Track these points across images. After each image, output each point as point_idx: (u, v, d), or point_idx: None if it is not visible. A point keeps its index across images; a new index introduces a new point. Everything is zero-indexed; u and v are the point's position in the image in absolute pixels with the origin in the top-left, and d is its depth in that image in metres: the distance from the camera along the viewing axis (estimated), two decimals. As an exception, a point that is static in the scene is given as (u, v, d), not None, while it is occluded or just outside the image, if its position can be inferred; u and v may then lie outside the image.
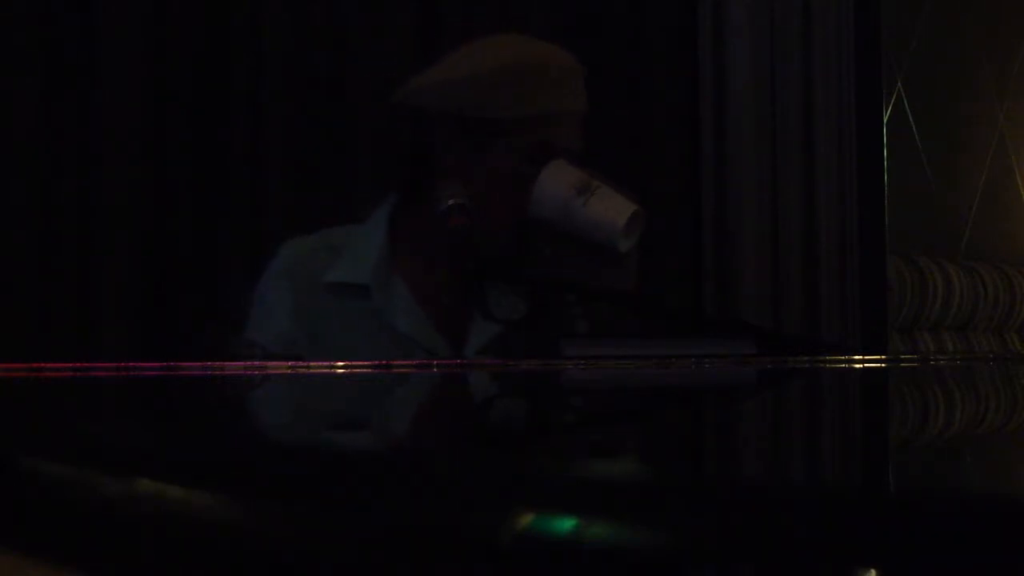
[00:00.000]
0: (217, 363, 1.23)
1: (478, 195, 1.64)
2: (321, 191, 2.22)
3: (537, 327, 1.67)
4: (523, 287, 1.68)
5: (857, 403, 0.94)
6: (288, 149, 2.22)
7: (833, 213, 2.46)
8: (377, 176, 2.25)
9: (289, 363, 1.34)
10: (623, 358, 1.40)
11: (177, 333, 2.10)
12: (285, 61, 2.23)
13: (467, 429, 0.69)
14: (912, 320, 2.86)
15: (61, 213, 2.06)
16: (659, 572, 0.31)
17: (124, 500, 0.44)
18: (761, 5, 2.47)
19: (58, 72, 2.07)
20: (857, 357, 1.66)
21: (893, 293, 2.71)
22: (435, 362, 1.50)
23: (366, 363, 1.33)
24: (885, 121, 2.66)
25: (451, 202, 1.61)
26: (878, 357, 1.89)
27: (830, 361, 1.50)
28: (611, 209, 1.60)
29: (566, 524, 0.33)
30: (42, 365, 1.06)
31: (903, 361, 1.84)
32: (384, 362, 1.29)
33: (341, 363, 1.31)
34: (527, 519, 0.34)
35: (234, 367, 1.23)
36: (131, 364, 1.15)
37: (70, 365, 1.13)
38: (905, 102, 3.03)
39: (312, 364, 1.30)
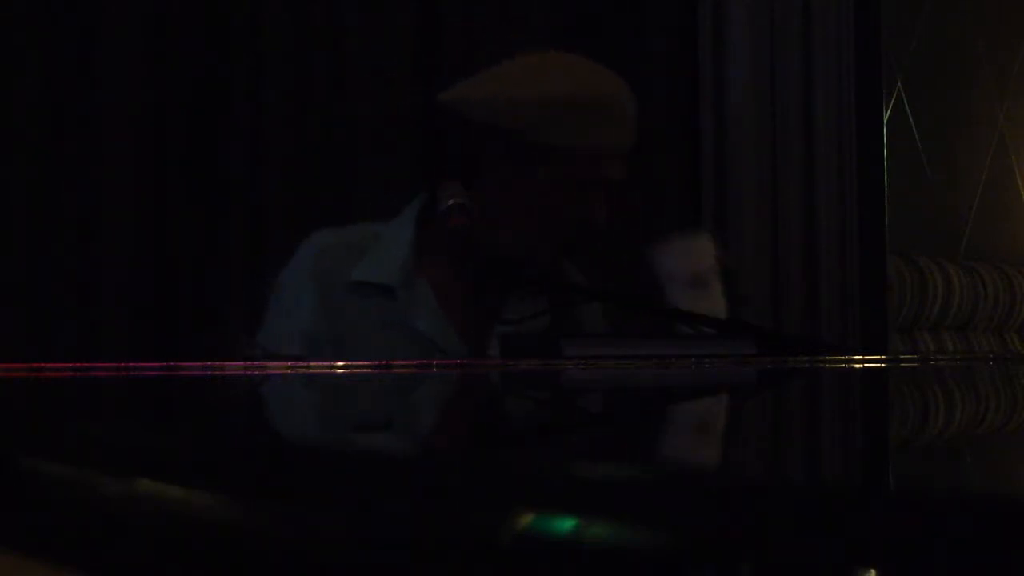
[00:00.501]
0: (217, 363, 1.22)
1: (512, 213, 1.63)
2: (321, 191, 2.22)
3: (535, 325, 1.67)
4: (524, 288, 1.68)
5: (857, 403, 0.94)
6: (288, 149, 2.22)
7: (833, 213, 2.46)
8: (377, 176, 2.25)
9: (289, 363, 1.34)
10: (623, 358, 1.40)
11: (177, 333, 2.10)
12: (285, 61, 2.23)
13: (467, 429, 0.69)
14: (912, 320, 2.86)
15: (61, 213, 2.06)
16: (659, 572, 0.31)
17: (124, 500, 0.44)
18: (761, 5, 2.47)
19: (58, 72, 2.07)
20: (857, 357, 1.66)
21: (893, 293, 2.71)
22: (435, 362, 1.50)
23: (366, 363, 1.33)
24: (885, 121, 2.66)
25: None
26: (878, 357, 1.89)
27: (830, 361, 1.50)
28: (701, 308, 1.61)
29: (566, 524, 0.33)
30: (42, 365, 1.06)
31: (903, 361, 1.84)
32: (384, 362, 1.29)
33: (341, 363, 1.31)
34: (527, 519, 0.34)
35: (234, 367, 1.23)
36: (131, 364, 1.15)
37: (70, 365, 1.13)
38: (905, 102, 3.03)
39: (312, 364, 1.30)
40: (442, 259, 1.66)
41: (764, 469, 0.47)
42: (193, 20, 2.17)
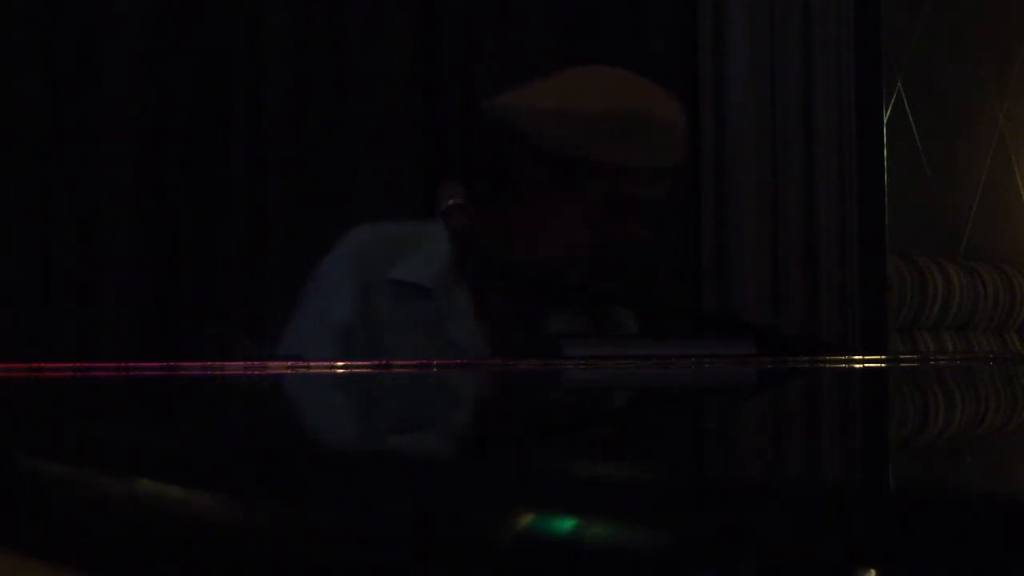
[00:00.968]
0: (217, 363, 1.23)
1: (549, 231, 1.63)
2: (322, 191, 2.22)
3: (536, 327, 1.67)
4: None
5: (857, 403, 0.94)
6: (289, 149, 2.22)
7: (833, 213, 2.46)
8: (378, 176, 2.25)
9: (289, 363, 1.34)
10: (623, 358, 1.40)
11: (177, 333, 2.10)
12: (285, 61, 2.23)
13: (467, 429, 0.69)
14: (912, 320, 2.86)
15: (61, 213, 2.06)
16: (659, 572, 0.31)
17: (124, 500, 0.44)
18: (761, 5, 2.47)
19: (58, 72, 2.07)
20: (857, 357, 1.66)
21: (893, 293, 2.71)
22: (435, 362, 1.50)
23: (366, 363, 1.33)
24: (885, 121, 2.66)
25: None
26: (878, 357, 1.89)
27: (830, 361, 1.50)
28: None
29: (566, 524, 0.33)
30: (42, 365, 1.06)
31: (903, 361, 1.84)
32: (384, 362, 1.29)
33: (341, 363, 1.31)
34: (527, 519, 0.34)
35: (234, 367, 1.23)
36: (131, 364, 1.15)
37: (70, 365, 1.13)
38: (905, 102, 3.03)
39: (312, 364, 1.30)
40: (482, 266, 1.65)
41: (764, 469, 0.47)
42: (193, 20, 2.17)
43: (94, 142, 2.09)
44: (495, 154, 1.69)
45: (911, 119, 3.05)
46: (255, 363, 1.42)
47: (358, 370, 1.26)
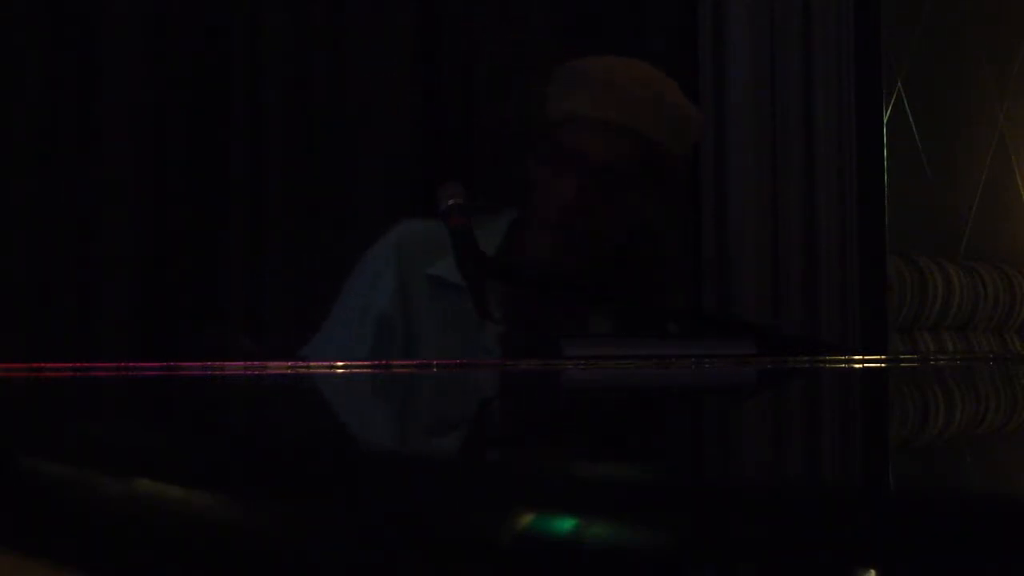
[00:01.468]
0: (217, 363, 1.23)
1: (552, 220, 1.65)
2: (322, 191, 2.22)
3: (536, 327, 1.67)
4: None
5: (857, 403, 0.94)
6: (289, 149, 2.22)
7: (833, 213, 2.46)
8: (378, 176, 2.25)
9: (289, 363, 1.34)
10: (623, 358, 1.40)
11: (177, 333, 2.09)
12: (285, 61, 2.23)
13: (467, 429, 0.69)
14: (912, 320, 2.86)
15: (61, 213, 2.06)
16: (659, 572, 0.31)
17: (124, 500, 0.44)
18: (761, 5, 2.47)
19: (58, 72, 2.07)
20: (857, 357, 1.66)
21: (893, 293, 2.71)
22: (435, 362, 1.50)
23: (366, 363, 1.33)
24: (885, 121, 2.66)
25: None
26: (878, 357, 1.89)
27: (830, 361, 1.50)
28: None
29: (566, 524, 0.33)
30: (42, 365, 1.06)
31: (903, 361, 1.84)
32: (384, 362, 1.29)
33: (341, 363, 1.31)
34: (527, 519, 0.34)
35: (234, 367, 1.23)
36: (131, 364, 1.15)
37: (70, 365, 1.13)
38: (905, 102, 3.03)
39: (312, 364, 1.30)
40: (523, 266, 1.67)
41: (764, 469, 0.47)
42: (193, 20, 2.17)
43: (94, 142, 2.09)
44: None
45: (911, 119, 3.05)
46: (255, 363, 1.42)
47: (358, 370, 1.26)
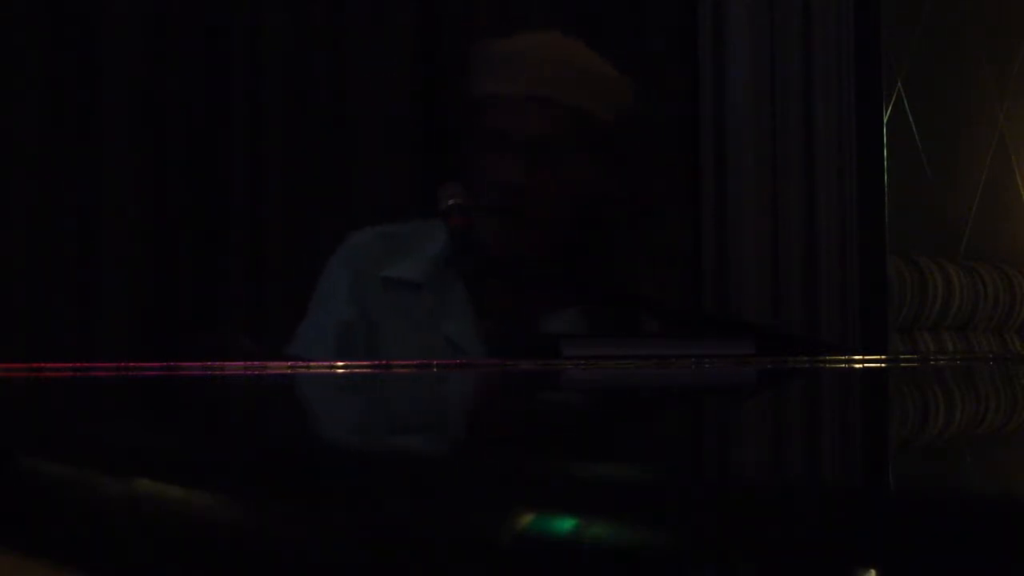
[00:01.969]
0: (217, 363, 1.22)
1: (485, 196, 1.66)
2: (322, 191, 2.22)
3: (535, 327, 1.67)
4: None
5: (857, 403, 0.94)
6: (289, 149, 2.22)
7: (833, 213, 2.45)
8: (378, 176, 2.25)
9: (289, 363, 1.34)
10: (623, 358, 1.40)
11: (177, 333, 2.09)
12: (285, 61, 2.23)
13: (467, 429, 0.69)
14: (912, 320, 2.86)
15: (61, 213, 2.06)
16: (659, 572, 0.31)
17: (124, 500, 0.44)
18: (761, 5, 2.47)
19: (58, 72, 2.07)
20: (857, 357, 1.66)
21: (892, 291, 2.71)
22: (435, 362, 1.50)
23: (365, 363, 1.33)
24: (885, 121, 2.66)
25: (451, 202, 1.62)
26: (878, 357, 1.89)
27: (830, 361, 1.50)
28: None
29: (566, 524, 0.33)
30: (42, 365, 1.06)
31: (903, 361, 1.84)
32: (384, 362, 1.29)
33: (341, 363, 1.31)
34: (527, 519, 0.34)
35: (234, 367, 1.23)
36: (131, 364, 1.15)
37: (70, 365, 1.13)
38: (905, 102, 3.03)
39: (312, 364, 1.30)
40: (474, 260, 1.67)
41: (764, 469, 0.47)
42: (193, 20, 2.17)
43: (94, 142, 2.09)
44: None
45: (911, 119, 3.05)
46: (255, 363, 1.42)
47: (358, 370, 1.26)
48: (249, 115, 2.20)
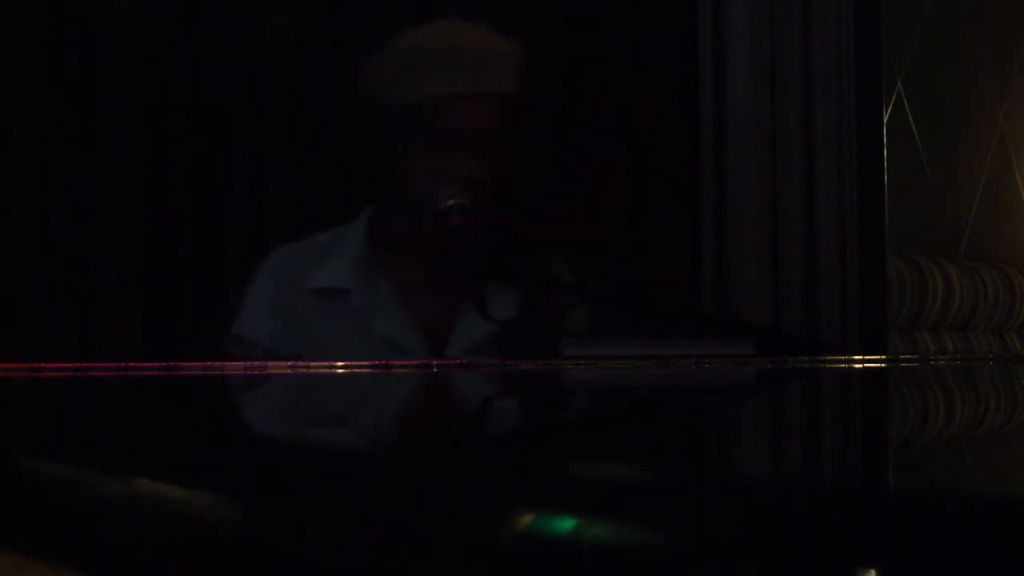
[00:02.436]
0: (217, 363, 1.22)
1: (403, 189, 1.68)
2: (322, 192, 2.22)
3: (534, 327, 1.67)
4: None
5: (857, 403, 0.94)
6: (289, 150, 2.22)
7: (833, 213, 2.45)
8: (376, 177, 2.25)
9: (289, 363, 1.34)
10: (623, 358, 1.40)
11: (177, 333, 2.09)
12: (286, 62, 2.23)
13: (467, 429, 0.69)
14: (912, 320, 2.86)
15: (61, 213, 2.06)
16: (659, 572, 0.31)
17: (124, 500, 0.44)
18: (761, 5, 2.47)
19: (58, 72, 2.07)
20: (857, 357, 1.66)
21: (892, 291, 2.71)
22: (435, 362, 1.50)
23: (366, 363, 1.33)
24: (885, 121, 2.66)
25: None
26: (878, 357, 1.89)
27: (830, 361, 1.50)
28: None
29: (566, 524, 0.33)
30: (42, 365, 1.06)
31: (903, 361, 1.84)
32: (384, 362, 1.29)
33: (341, 363, 1.31)
34: (527, 519, 0.34)
35: (234, 367, 1.23)
36: (131, 364, 1.15)
37: (70, 365, 1.13)
38: (905, 102, 3.03)
39: (312, 364, 1.30)
40: (399, 258, 1.70)
41: (764, 469, 0.47)
42: (193, 20, 2.17)
43: (94, 141, 2.09)
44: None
45: (911, 119, 3.05)
46: (255, 363, 1.42)
47: (358, 370, 1.26)
48: (250, 115, 2.20)
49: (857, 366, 1.47)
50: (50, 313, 2.05)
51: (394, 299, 1.69)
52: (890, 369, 1.45)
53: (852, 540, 0.30)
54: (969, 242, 3.23)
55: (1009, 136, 3.34)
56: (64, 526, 0.45)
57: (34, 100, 2.05)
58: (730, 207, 2.44)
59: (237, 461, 0.47)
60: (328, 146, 2.23)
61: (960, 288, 2.94)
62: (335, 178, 2.23)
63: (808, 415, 0.82)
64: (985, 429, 0.65)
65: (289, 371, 1.20)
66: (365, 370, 1.27)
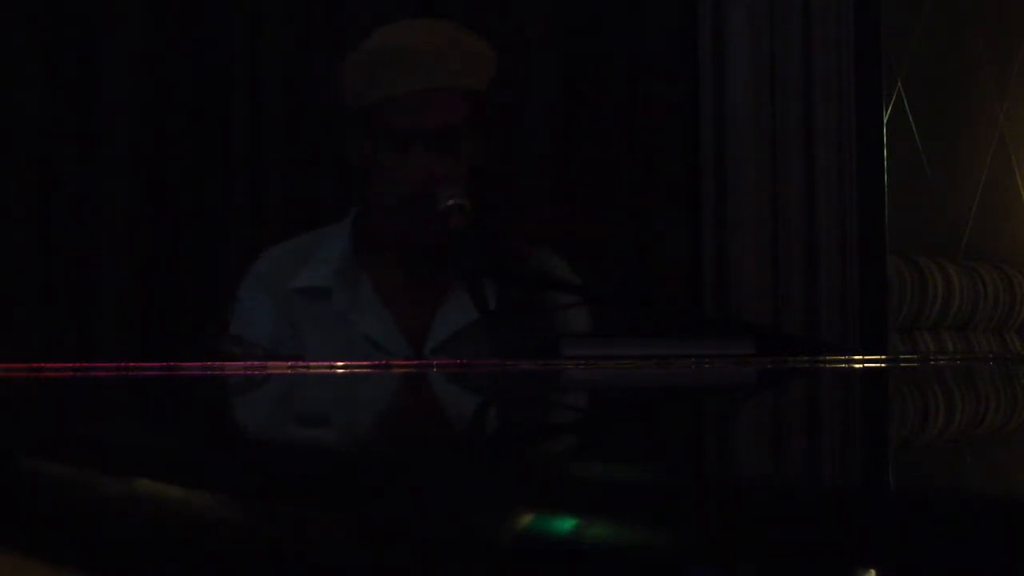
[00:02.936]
0: (217, 363, 1.23)
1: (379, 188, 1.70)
2: (322, 192, 2.22)
3: (535, 326, 1.67)
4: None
5: (857, 403, 0.94)
6: (288, 151, 2.22)
7: (833, 213, 2.45)
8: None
9: (289, 363, 1.34)
10: (623, 358, 1.40)
11: (177, 333, 2.10)
12: (286, 64, 2.23)
13: (467, 429, 0.69)
14: (912, 320, 2.86)
15: (61, 213, 2.06)
16: (659, 572, 0.31)
17: (124, 500, 0.44)
18: (761, 5, 2.47)
19: (58, 72, 2.07)
20: (857, 357, 1.66)
21: (892, 291, 2.71)
22: (435, 362, 1.50)
23: (366, 363, 1.33)
24: (885, 121, 2.66)
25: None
26: (878, 357, 1.89)
27: (830, 361, 1.50)
28: None
29: (566, 524, 0.33)
30: (42, 365, 1.06)
31: (903, 361, 1.84)
32: (384, 362, 1.29)
33: (341, 363, 1.31)
34: (527, 519, 0.34)
35: (234, 367, 1.23)
36: (131, 364, 1.15)
37: (70, 365, 1.13)
38: (905, 102, 3.03)
39: (312, 364, 1.30)
40: (381, 257, 1.71)
41: (764, 469, 0.47)
42: (193, 20, 2.17)
43: (95, 143, 2.09)
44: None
45: (911, 119, 3.05)
46: (255, 363, 1.42)
47: (357, 370, 1.26)
48: (250, 116, 2.20)
49: (857, 366, 1.47)
50: (50, 313, 2.05)
51: (375, 298, 1.71)
52: (890, 369, 1.45)
53: (852, 540, 0.30)
54: (969, 242, 3.23)
55: (1009, 136, 3.34)
56: (64, 526, 0.45)
57: (34, 101, 2.05)
58: (730, 207, 2.44)
59: (237, 461, 0.47)
60: (326, 148, 2.23)
61: (960, 288, 2.94)
62: (335, 179, 2.23)
63: (808, 415, 0.82)
64: (985, 429, 0.65)
65: (289, 371, 1.20)
66: (365, 370, 1.27)
